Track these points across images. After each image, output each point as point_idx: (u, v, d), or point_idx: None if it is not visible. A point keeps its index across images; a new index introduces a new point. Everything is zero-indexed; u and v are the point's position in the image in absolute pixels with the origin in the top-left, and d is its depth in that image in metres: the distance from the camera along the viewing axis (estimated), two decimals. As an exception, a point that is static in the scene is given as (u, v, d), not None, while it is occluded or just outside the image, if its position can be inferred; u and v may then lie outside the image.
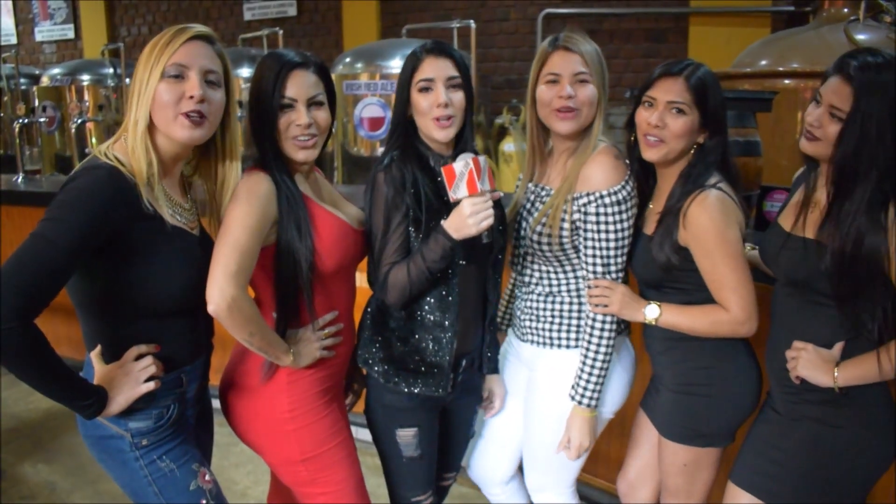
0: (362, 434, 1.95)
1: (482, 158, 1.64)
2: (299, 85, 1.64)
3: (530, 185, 1.94)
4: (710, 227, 1.65)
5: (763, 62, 3.64)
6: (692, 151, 1.75)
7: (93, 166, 1.44)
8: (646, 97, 1.75)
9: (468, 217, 1.61)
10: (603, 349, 1.80)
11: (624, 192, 1.74)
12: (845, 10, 3.74)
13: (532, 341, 1.94)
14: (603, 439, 1.99)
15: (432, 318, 1.76)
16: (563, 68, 1.76)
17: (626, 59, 5.53)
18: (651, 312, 1.78)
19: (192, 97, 1.47)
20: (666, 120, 1.70)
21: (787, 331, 1.70)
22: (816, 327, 1.65)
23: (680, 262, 1.71)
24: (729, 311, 1.68)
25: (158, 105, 1.47)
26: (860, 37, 3.35)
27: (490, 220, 1.63)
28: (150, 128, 1.49)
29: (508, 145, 5.16)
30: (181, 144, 1.53)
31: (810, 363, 1.63)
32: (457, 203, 1.65)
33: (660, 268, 1.74)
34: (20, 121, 5.02)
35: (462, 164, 1.61)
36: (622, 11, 5.49)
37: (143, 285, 1.48)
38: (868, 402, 1.63)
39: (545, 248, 1.83)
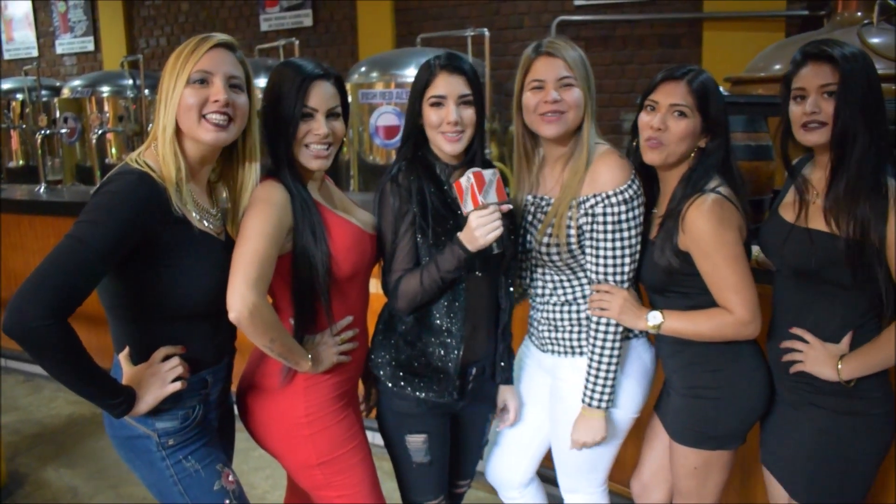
0: (379, 440, 1.96)
1: (489, 172, 1.66)
2: (320, 95, 1.68)
3: (528, 196, 1.93)
4: (707, 230, 1.66)
5: (776, 66, 3.62)
6: (693, 155, 1.76)
7: (125, 171, 1.49)
8: (648, 101, 1.77)
9: (474, 230, 1.64)
10: (608, 352, 1.80)
11: (630, 192, 1.75)
12: (859, 13, 3.72)
13: (553, 351, 1.95)
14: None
15: (440, 323, 1.78)
16: (546, 74, 1.77)
17: (640, 65, 5.51)
18: (653, 319, 1.78)
19: (216, 101, 1.51)
20: (668, 123, 1.72)
21: (794, 322, 1.71)
22: (826, 317, 1.66)
23: (681, 265, 1.72)
24: (733, 312, 1.69)
25: (184, 109, 1.51)
26: (874, 40, 3.32)
27: (498, 232, 1.64)
28: (178, 133, 1.54)
29: (523, 152, 5.17)
30: (208, 148, 1.57)
31: (817, 360, 1.65)
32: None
33: (662, 272, 1.76)
34: (42, 132, 5.10)
35: (465, 180, 1.64)
36: (635, 17, 5.48)
37: (171, 288, 1.51)
38: (873, 387, 1.65)
39: (555, 258, 1.83)
